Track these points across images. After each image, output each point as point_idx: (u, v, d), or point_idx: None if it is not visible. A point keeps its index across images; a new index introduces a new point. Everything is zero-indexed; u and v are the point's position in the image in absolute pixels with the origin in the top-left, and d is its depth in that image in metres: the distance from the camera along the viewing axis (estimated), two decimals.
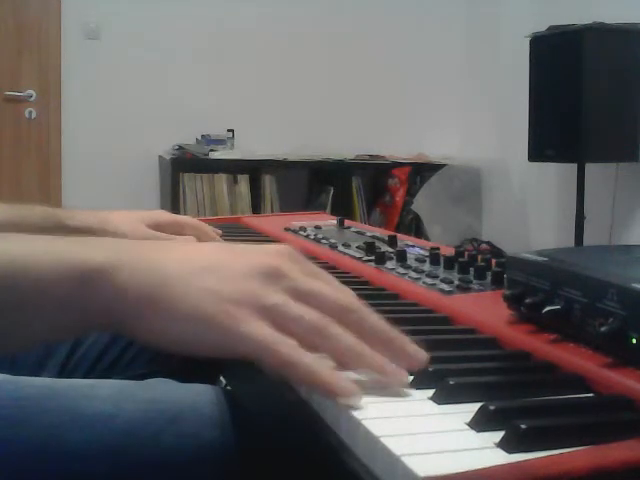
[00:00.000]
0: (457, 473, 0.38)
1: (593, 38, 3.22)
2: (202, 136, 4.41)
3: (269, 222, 1.45)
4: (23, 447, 0.62)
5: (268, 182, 4.38)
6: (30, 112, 4.35)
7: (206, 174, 4.28)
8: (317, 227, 1.30)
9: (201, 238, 1.18)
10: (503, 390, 0.52)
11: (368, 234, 1.20)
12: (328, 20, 4.62)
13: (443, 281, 0.80)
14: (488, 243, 4.39)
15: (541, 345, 0.58)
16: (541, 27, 3.47)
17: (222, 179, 4.31)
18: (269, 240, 1.26)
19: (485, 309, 0.70)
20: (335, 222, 1.37)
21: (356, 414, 0.47)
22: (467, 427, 0.45)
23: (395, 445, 0.42)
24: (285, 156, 4.39)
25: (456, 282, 0.78)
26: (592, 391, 0.52)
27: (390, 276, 0.85)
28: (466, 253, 0.88)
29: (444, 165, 4.56)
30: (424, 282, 0.80)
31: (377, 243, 1.03)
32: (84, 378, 0.92)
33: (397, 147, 4.68)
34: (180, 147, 4.32)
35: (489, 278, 0.80)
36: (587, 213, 3.37)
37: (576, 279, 0.57)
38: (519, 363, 0.58)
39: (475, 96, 4.66)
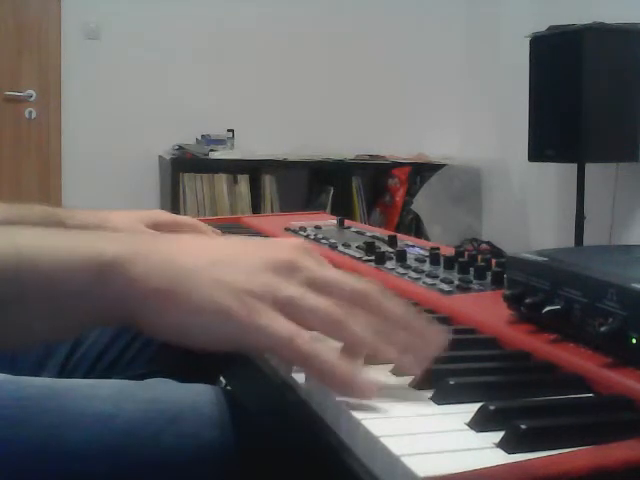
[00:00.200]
0: (457, 473, 0.38)
1: (593, 38, 3.22)
2: (202, 136, 4.41)
3: (269, 222, 1.45)
4: (23, 447, 0.62)
5: (268, 182, 4.38)
6: (30, 112, 4.35)
7: (206, 174, 4.28)
8: (317, 227, 1.30)
9: None
10: (503, 390, 0.52)
11: (368, 234, 1.20)
12: (328, 20, 4.62)
13: (443, 281, 0.80)
14: (488, 243, 4.39)
15: (541, 345, 0.58)
16: (541, 27, 3.47)
17: (222, 179, 4.31)
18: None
19: (485, 309, 0.70)
20: (335, 222, 1.37)
21: (356, 414, 0.47)
22: (467, 427, 0.45)
23: (395, 445, 0.42)
24: (285, 156, 4.39)
25: (456, 282, 0.78)
26: (592, 391, 0.52)
27: (390, 276, 0.85)
28: (466, 253, 0.88)
29: (444, 165, 4.56)
30: (424, 282, 0.80)
31: (377, 243, 1.03)
32: (84, 378, 0.92)
33: (397, 147, 4.68)
34: (180, 147, 4.32)
35: (489, 278, 0.80)
36: (587, 213, 3.37)
37: (576, 279, 0.57)
38: (519, 363, 0.58)
39: (475, 96, 4.66)
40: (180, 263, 0.52)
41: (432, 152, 4.71)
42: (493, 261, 0.84)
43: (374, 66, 4.70)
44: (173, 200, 4.18)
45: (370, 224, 3.79)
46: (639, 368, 0.51)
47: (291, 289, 0.52)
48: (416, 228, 4.49)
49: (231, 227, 1.42)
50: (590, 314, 0.55)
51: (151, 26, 4.39)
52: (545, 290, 0.61)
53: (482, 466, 0.38)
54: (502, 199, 4.48)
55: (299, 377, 0.55)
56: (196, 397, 0.70)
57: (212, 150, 4.33)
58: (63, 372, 0.96)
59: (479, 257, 0.87)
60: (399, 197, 4.53)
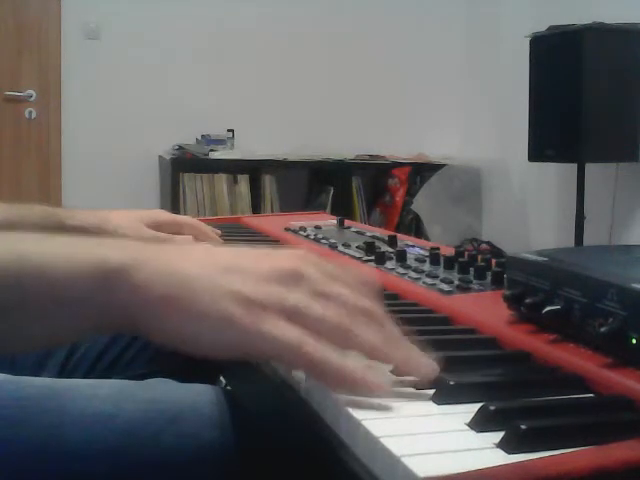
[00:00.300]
0: (457, 473, 0.38)
1: (593, 38, 3.22)
2: (202, 136, 4.41)
3: (269, 222, 1.45)
4: (23, 447, 0.62)
5: (268, 182, 4.38)
6: (30, 112, 4.35)
7: (206, 174, 4.28)
8: (317, 227, 1.30)
9: (199, 238, 1.19)
10: (503, 390, 0.52)
11: (368, 234, 1.20)
12: (328, 20, 4.62)
13: (443, 281, 0.80)
14: (488, 243, 4.39)
15: (541, 345, 0.58)
16: (541, 27, 3.47)
17: (222, 179, 4.31)
18: (269, 240, 1.26)
19: (485, 309, 0.70)
20: (335, 222, 1.37)
21: (356, 414, 0.47)
22: (467, 427, 0.45)
23: (395, 445, 0.42)
24: (285, 156, 4.39)
25: (456, 282, 0.78)
26: (592, 391, 0.52)
27: (390, 276, 0.85)
28: (466, 253, 0.88)
29: (444, 165, 4.56)
30: (424, 282, 0.80)
31: (377, 243, 1.03)
32: (84, 378, 0.92)
33: (397, 147, 4.68)
34: (180, 147, 4.32)
35: (489, 278, 0.80)
36: (587, 213, 3.37)
37: (576, 279, 0.57)
38: (519, 363, 0.58)
39: (475, 96, 4.66)
40: (184, 270, 0.52)
41: (432, 152, 4.71)
42: (493, 261, 0.84)
43: (374, 66, 4.70)
44: (173, 200, 4.18)
45: (370, 224, 3.79)
46: (639, 368, 0.51)
47: (297, 298, 0.52)
48: (416, 228, 4.49)
49: (231, 227, 1.42)
50: (590, 314, 0.55)
51: (151, 26, 4.39)
52: (545, 290, 0.61)
53: (482, 466, 0.38)
54: (502, 199, 4.48)
55: (299, 377, 0.55)
56: (196, 397, 0.70)
57: (212, 150, 4.33)
58: (63, 372, 0.96)
59: (479, 257, 0.87)
60: (399, 197, 4.53)
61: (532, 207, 4.27)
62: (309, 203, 4.56)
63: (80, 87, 4.35)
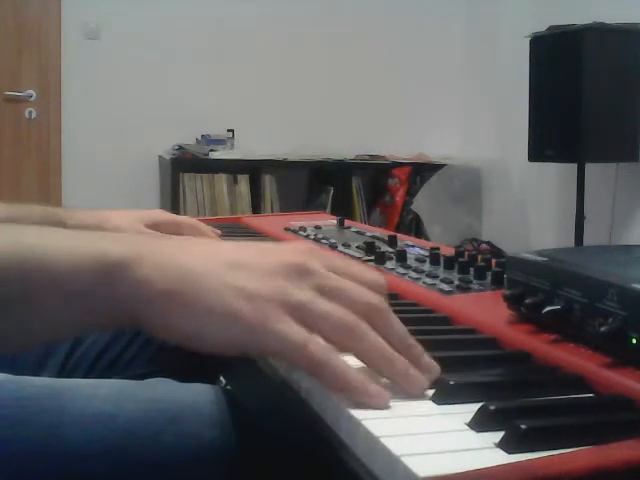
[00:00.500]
0: (457, 473, 0.38)
1: (593, 38, 3.22)
2: (202, 136, 4.41)
3: (269, 222, 1.45)
4: (23, 447, 0.62)
5: (268, 182, 4.38)
6: (30, 112, 4.35)
7: (206, 174, 4.28)
8: (317, 227, 1.30)
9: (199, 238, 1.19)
10: (503, 390, 0.52)
11: (368, 234, 1.20)
12: (328, 20, 4.62)
13: (443, 281, 0.80)
14: (488, 243, 4.39)
15: (541, 345, 0.58)
16: (541, 27, 3.47)
17: (222, 179, 4.31)
18: (269, 240, 1.26)
19: (485, 309, 0.70)
20: (335, 222, 1.37)
21: (356, 414, 0.47)
22: (467, 427, 0.45)
23: (395, 445, 0.42)
24: (285, 156, 4.39)
25: (456, 282, 0.78)
26: (592, 391, 0.52)
27: (390, 276, 0.85)
28: (466, 253, 0.88)
29: (444, 165, 4.56)
30: (424, 282, 0.80)
31: (377, 243, 1.03)
32: (84, 378, 0.92)
33: (397, 147, 4.68)
34: (180, 147, 4.32)
35: (489, 278, 0.80)
36: (587, 213, 3.37)
37: (576, 279, 0.57)
38: (519, 363, 0.58)
39: (475, 96, 4.66)
40: (187, 265, 0.52)
41: (432, 152, 4.71)
42: (493, 261, 0.84)
43: (374, 66, 4.70)
44: (173, 200, 4.18)
45: (370, 224, 3.79)
46: (639, 368, 0.51)
47: (302, 293, 0.51)
48: (416, 228, 4.49)
49: (231, 227, 1.42)
50: (590, 314, 0.55)
51: (151, 26, 4.39)
52: (545, 290, 0.61)
53: (482, 466, 0.38)
54: (502, 199, 4.48)
55: (299, 377, 0.55)
56: (196, 397, 0.70)
57: (212, 150, 4.33)
58: (63, 372, 0.96)
59: (479, 257, 0.87)
60: (399, 197, 4.53)
61: (532, 207, 4.27)
62: (309, 203, 4.56)
63: (80, 87, 4.35)
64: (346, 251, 1.03)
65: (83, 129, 4.36)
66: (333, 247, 1.07)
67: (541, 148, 3.44)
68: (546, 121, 3.40)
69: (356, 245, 1.05)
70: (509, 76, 4.19)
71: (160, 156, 4.43)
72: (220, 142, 4.40)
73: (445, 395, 0.50)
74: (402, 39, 4.74)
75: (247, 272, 0.52)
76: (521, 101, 3.56)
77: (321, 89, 4.65)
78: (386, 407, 0.48)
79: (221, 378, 0.86)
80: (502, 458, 0.41)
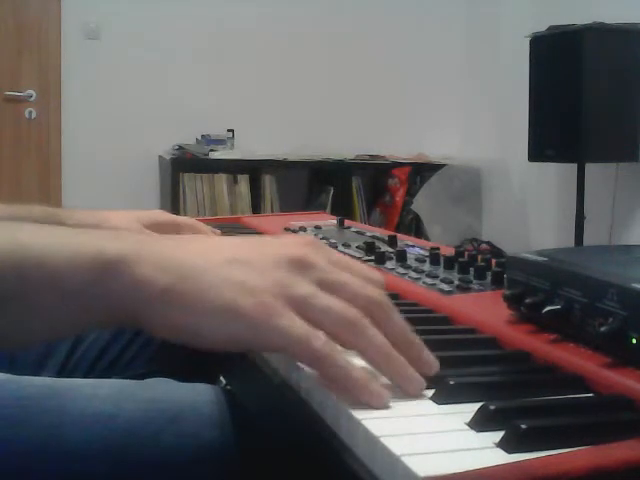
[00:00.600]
0: (457, 473, 0.38)
1: (593, 38, 3.22)
2: (202, 136, 4.41)
3: (269, 222, 1.45)
4: (23, 447, 0.62)
5: (268, 182, 4.38)
6: (30, 112, 4.35)
7: (206, 174, 4.28)
8: (317, 227, 1.30)
9: None
10: (503, 390, 0.52)
11: (368, 234, 1.20)
12: (328, 20, 4.62)
13: (443, 281, 0.80)
14: (488, 243, 4.39)
15: (541, 345, 0.58)
16: (541, 27, 3.47)
17: (222, 179, 4.31)
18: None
19: (485, 309, 0.70)
20: (335, 222, 1.37)
21: (356, 414, 0.47)
22: (467, 427, 0.45)
23: (395, 445, 0.42)
24: (285, 156, 4.39)
25: (456, 282, 0.78)
26: (592, 391, 0.52)
27: (390, 276, 0.85)
28: (466, 253, 0.88)
29: (444, 165, 4.56)
30: (424, 282, 0.80)
31: (377, 243, 1.03)
32: (84, 378, 0.92)
33: (397, 147, 4.68)
34: (180, 147, 4.32)
35: (489, 278, 0.80)
36: (587, 213, 3.37)
37: (576, 279, 0.57)
38: (519, 363, 0.58)
39: (475, 96, 4.66)
40: (187, 262, 0.51)
41: (432, 152, 4.71)
42: (493, 261, 0.84)
43: (374, 66, 4.70)
44: (173, 200, 4.19)
45: (370, 224, 3.79)
46: (639, 368, 0.51)
47: (304, 287, 0.51)
48: (416, 228, 4.49)
49: (231, 227, 1.42)
50: (590, 314, 0.55)
51: (151, 26, 4.39)
52: (545, 290, 0.61)
53: (482, 466, 0.38)
54: (502, 199, 4.48)
55: (299, 377, 0.55)
56: (196, 397, 0.70)
57: (212, 150, 4.33)
58: (63, 371, 0.96)
59: (479, 257, 0.87)
60: (399, 197, 4.53)
61: (532, 207, 4.27)
62: (309, 203, 4.56)
63: (80, 87, 4.35)
64: (346, 251, 1.03)
65: (83, 129, 4.36)
66: (333, 247, 1.07)
67: (541, 148, 3.44)
68: (546, 121, 3.40)
69: (356, 245, 1.05)
70: (509, 76, 4.19)
71: (160, 156, 4.43)
72: (220, 142, 4.40)
73: (445, 395, 0.50)
74: (402, 39, 4.74)
75: (247, 267, 0.51)
76: (521, 101, 3.56)
77: (321, 89, 4.65)
78: (386, 407, 0.48)
79: (221, 378, 0.86)
80: (502, 458, 0.41)
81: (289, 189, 4.50)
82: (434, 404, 0.49)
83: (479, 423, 0.45)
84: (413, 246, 1.04)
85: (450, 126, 4.74)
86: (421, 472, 0.39)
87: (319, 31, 4.60)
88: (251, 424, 0.68)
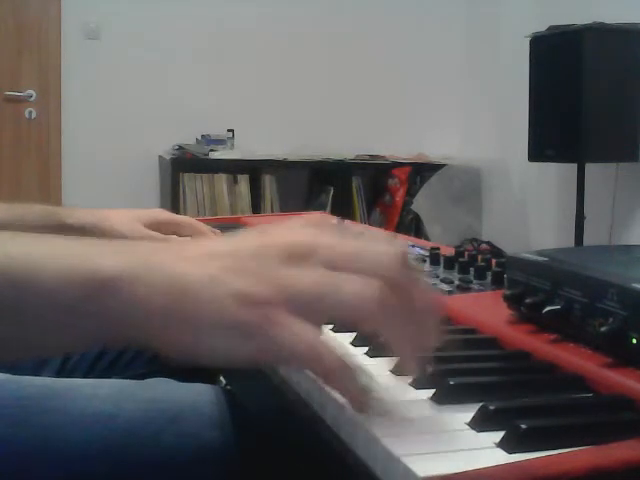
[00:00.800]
0: (457, 473, 0.38)
1: (593, 38, 3.22)
2: (202, 136, 4.41)
3: (269, 222, 1.45)
4: (23, 447, 0.62)
5: (268, 182, 4.38)
6: (30, 112, 4.35)
7: (206, 174, 4.28)
8: None
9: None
10: (503, 390, 0.52)
11: None
12: (328, 20, 4.62)
13: (443, 281, 0.80)
14: (488, 243, 4.39)
15: (541, 345, 0.58)
16: (541, 27, 3.47)
17: (222, 179, 4.31)
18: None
19: (485, 309, 0.70)
20: (335, 222, 1.36)
21: (356, 414, 0.47)
22: (467, 427, 0.45)
23: (395, 445, 0.42)
24: (285, 156, 4.39)
25: (456, 282, 0.78)
26: (592, 391, 0.52)
27: None
28: (466, 253, 0.88)
29: (444, 165, 4.56)
30: None
31: None
32: (84, 378, 0.92)
33: (397, 147, 4.68)
34: (180, 147, 4.32)
35: (489, 278, 0.80)
36: (587, 213, 3.37)
37: (576, 279, 0.57)
38: (519, 363, 0.58)
39: (475, 96, 4.66)
40: (184, 276, 0.48)
41: (432, 152, 4.71)
42: (493, 261, 0.84)
43: (374, 66, 4.70)
44: (173, 200, 4.19)
45: (370, 224, 3.79)
46: (639, 368, 0.51)
47: (306, 283, 0.47)
48: (416, 228, 4.49)
49: (231, 227, 1.42)
50: (590, 314, 0.55)
51: (151, 26, 4.39)
52: (545, 290, 0.61)
53: (482, 466, 0.38)
54: (502, 199, 4.48)
55: (299, 377, 0.55)
56: (196, 397, 0.70)
57: (212, 150, 4.33)
58: (63, 371, 0.96)
59: (479, 257, 0.87)
60: (399, 197, 4.53)
61: (532, 207, 4.27)
62: (309, 203, 4.56)
63: (80, 87, 4.35)
64: None
65: (83, 129, 4.36)
66: None
67: (541, 148, 3.44)
68: (546, 121, 3.40)
69: None
70: (509, 76, 4.19)
71: (160, 156, 4.43)
72: (220, 142, 4.40)
73: (445, 395, 0.50)
74: (402, 39, 4.74)
75: (246, 273, 0.49)
76: (521, 101, 3.56)
77: (321, 89, 4.65)
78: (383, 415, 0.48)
79: (221, 378, 0.86)
80: (502, 458, 0.41)
81: (289, 189, 4.50)
82: (434, 404, 0.49)
83: (479, 423, 0.45)
84: (413, 246, 1.04)
85: (450, 126, 4.74)
86: (421, 472, 0.39)
87: (319, 31, 4.60)
88: (251, 424, 0.68)
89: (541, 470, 0.38)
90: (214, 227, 1.26)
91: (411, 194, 4.52)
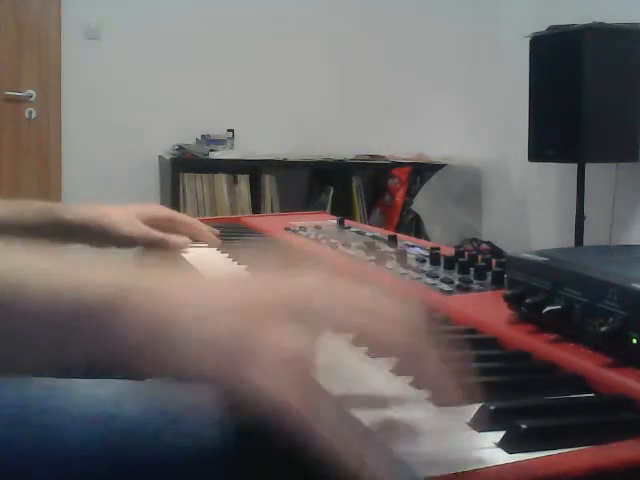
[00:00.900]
0: (457, 473, 0.38)
1: (593, 38, 3.22)
2: (202, 136, 4.41)
3: (269, 222, 1.45)
4: (23, 447, 0.62)
5: (268, 182, 4.38)
6: (30, 112, 4.34)
7: (206, 174, 4.28)
8: (317, 227, 1.30)
9: (196, 237, 1.19)
10: (503, 390, 0.52)
11: (368, 234, 1.20)
12: (328, 20, 4.62)
13: (443, 281, 0.80)
14: (488, 243, 4.39)
15: (541, 345, 0.58)
16: (541, 27, 3.47)
17: (222, 179, 4.31)
18: (269, 239, 1.26)
19: (485, 309, 0.70)
20: (335, 222, 1.37)
21: (357, 414, 0.47)
22: (467, 427, 0.45)
23: (396, 445, 0.42)
24: (285, 156, 4.39)
25: (456, 282, 0.78)
26: (592, 391, 0.52)
27: (390, 276, 0.85)
28: (466, 253, 0.88)
29: (444, 165, 4.56)
30: (424, 282, 0.80)
31: (377, 243, 1.03)
32: (84, 378, 0.92)
33: (397, 147, 4.68)
34: (180, 147, 4.32)
35: (489, 278, 0.80)
36: (587, 213, 3.37)
37: (576, 279, 0.57)
38: (519, 363, 0.58)
39: (475, 96, 4.66)
40: (175, 312, 0.47)
41: (432, 152, 4.71)
42: (493, 261, 0.84)
43: (374, 66, 4.70)
44: (173, 200, 4.18)
45: (370, 224, 3.79)
46: (639, 368, 0.51)
47: (298, 347, 0.45)
48: (416, 228, 4.49)
49: (231, 227, 1.42)
50: (590, 314, 0.55)
51: (151, 26, 4.39)
52: (545, 290, 0.61)
53: (483, 466, 0.38)
54: (502, 199, 4.48)
55: None
56: (196, 397, 0.70)
57: (212, 150, 4.33)
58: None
59: (479, 257, 0.87)
60: (399, 197, 4.53)
61: (532, 207, 4.27)
62: (309, 203, 4.56)
63: (80, 87, 4.35)
64: (346, 251, 1.03)
65: (83, 129, 4.35)
66: (333, 247, 1.07)
67: (541, 148, 3.44)
68: (546, 121, 3.40)
69: (356, 245, 1.05)
70: (509, 76, 4.19)
71: (160, 156, 4.43)
72: (220, 142, 4.40)
73: None
74: (402, 39, 4.74)
75: (241, 318, 0.46)
76: (521, 101, 3.56)
77: (321, 89, 4.65)
78: None
79: None
80: (502, 458, 0.41)
81: (289, 189, 4.50)
82: (434, 404, 0.49)
83: (479, 423, 0.45)
84: (413, 246, 1.04)
85: (450, 126, 4.74)
86: (422, 472, 0.39)
87: (319, 31, 4.60)
88: (251, 424, 0.68)
89: (541, 470, 0.38)
90: (214, 227, 1.26)
91: (411, 194, 4.52)
